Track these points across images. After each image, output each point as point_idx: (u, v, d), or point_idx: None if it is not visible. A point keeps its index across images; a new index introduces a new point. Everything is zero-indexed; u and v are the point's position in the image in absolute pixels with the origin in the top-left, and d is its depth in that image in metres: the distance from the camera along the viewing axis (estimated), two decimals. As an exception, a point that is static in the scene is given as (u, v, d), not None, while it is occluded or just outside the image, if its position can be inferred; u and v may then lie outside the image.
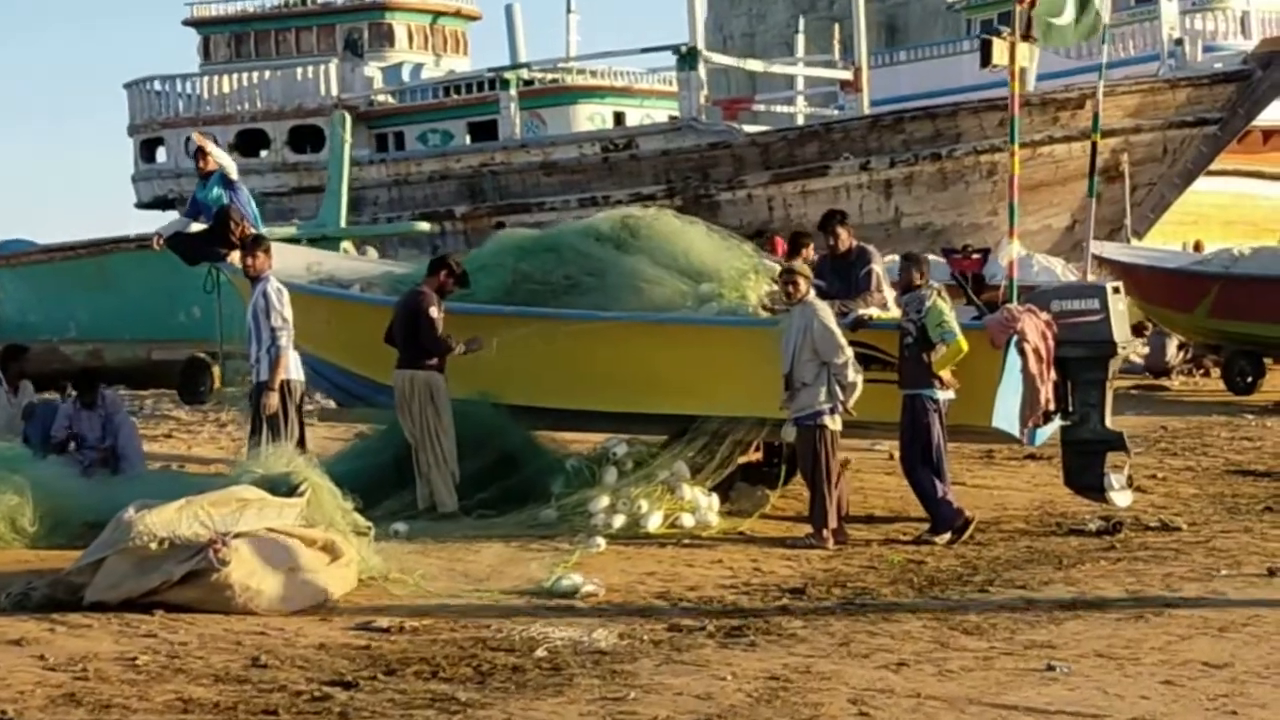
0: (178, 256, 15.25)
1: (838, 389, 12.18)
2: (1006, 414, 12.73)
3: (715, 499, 13.07)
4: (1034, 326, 12.64)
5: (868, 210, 38.25)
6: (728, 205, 38.19)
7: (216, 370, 21.87)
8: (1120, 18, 47.73)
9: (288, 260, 14.95)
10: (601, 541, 11.93)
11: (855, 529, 12.87)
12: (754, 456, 14.14)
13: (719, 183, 38.20)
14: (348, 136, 28.15)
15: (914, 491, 12.67)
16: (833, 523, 12.27)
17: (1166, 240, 35.33)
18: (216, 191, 15.04)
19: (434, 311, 12.92)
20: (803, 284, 12.35)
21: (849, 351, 12.19)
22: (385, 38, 44.46)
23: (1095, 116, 14.92)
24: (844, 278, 13.42)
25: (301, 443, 12.57)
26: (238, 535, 9.84)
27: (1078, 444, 13.44)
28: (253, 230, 14.82)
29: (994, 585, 10.76)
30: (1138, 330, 26.98)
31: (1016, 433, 12.80)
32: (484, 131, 41.85)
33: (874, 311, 12.97)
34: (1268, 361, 24.41)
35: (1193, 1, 48.21)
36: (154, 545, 9.69)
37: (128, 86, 44.91)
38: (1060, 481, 13.81)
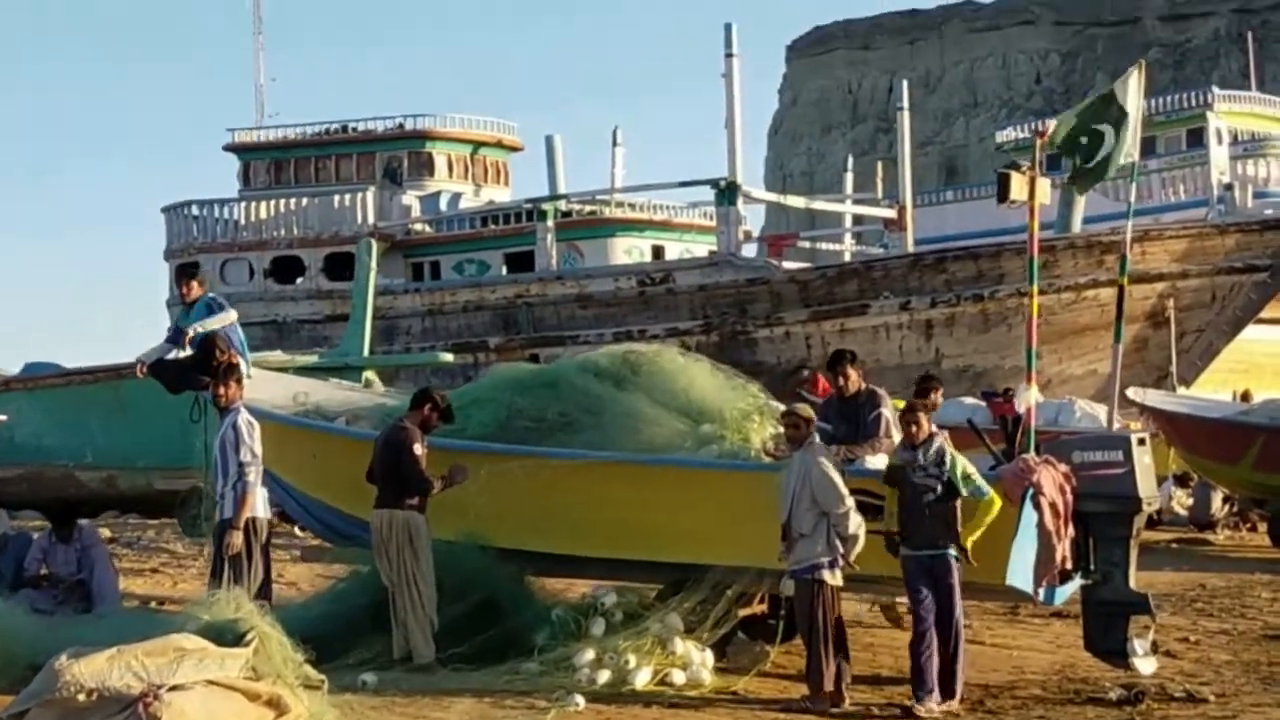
0: (161, 384, 14.61)
1: (838, 541, 11.40)
2: (1022, 571, 11.91)
3: (709, 654, 12.26)
4: (1051, 479, 11.84)
5: (908, 351, 37.59)
6: (765, 342, 37.58)
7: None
8: (1170, 161, 47.25)
9: (273, 389, 14.37)
10: (580, 700, 11.14)
11: (858, 690, 12.02)
12: (757, 609, 13.35)
13: (756, 319, 37.59)
14: (373, 264, 27.72)
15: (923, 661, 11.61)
16: (829, 685, 11.44)
17: (1218, 389, 34.40)
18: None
19: (418, 448, 12.24)
20: (804, 427, 11.61)
21: (850, 501, 11.41)
22: (425, 166, 44.23)
23: (1123, 259, 14.22)
24: (851, 421, 12.67)
25: (265, 585, 11.86)
26: (173, 688, 9.11)
27: (1100, 605, 12.56)
28: (237, 359, 14.21)
29: (998, 762, 9.90)
30: (1182, 481, 26.10)
31: (1031, 591, 11.96)
32: (521, 262, 41.44)
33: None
34: (1316, 517, 23.39)
35: (1244, 147, 47.65)
36: (81, 697, 8.99)
37: (166, 211, 44.77)
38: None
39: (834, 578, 11.46)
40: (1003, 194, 12.36)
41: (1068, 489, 11.99)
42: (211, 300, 14.51)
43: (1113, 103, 12.75)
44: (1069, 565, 12.02)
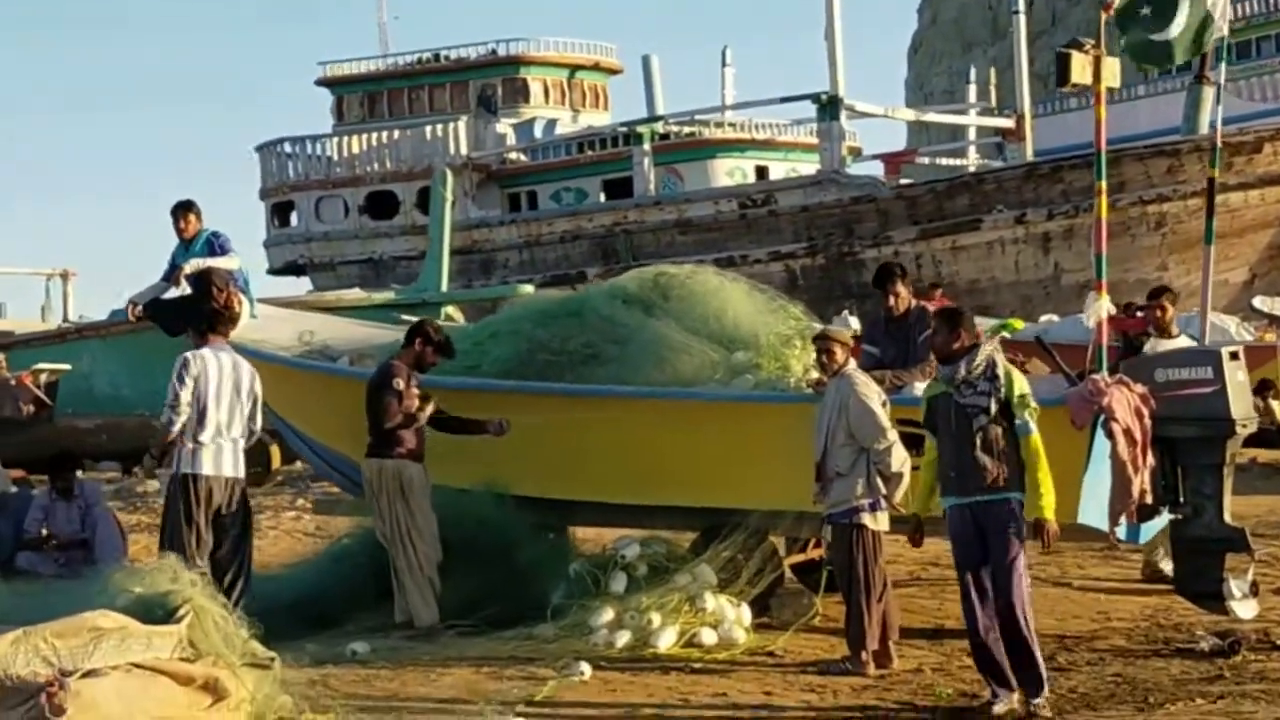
0: (158, 326, 13.46)
1: (879, 480, 9.96)
2: (1095, 507, 10.42)
3: (746, 610, 10.91)
4: (1124, 402, 10.31)
5: (1024, 266, 35.80)
6: (873, 264, 35.81)
7: (276, 449, 20.18)
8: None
9: (279, 329, 13.17)
10: (586, 669, 9.83)
11: (914, 647, 10.64)
12: (813, 554, 12.01)
13: (863, 239, 35.92)
14: (449, 195, 26.56)
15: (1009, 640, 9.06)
16: (873, 644, 10.03)
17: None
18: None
19: (398, 384, 11.00)
20: (839, 352, 10.18)
21: (893, 435, 9.97)
22: (520, 93, 42.83)
23: (1214, 148, 12.60)
24: (901, 344, 11.22)
25: (237, 552, 10.67)
26: (87, 674, 7.90)
27: (1190, 543, 11.05)
28: (237, 297, 13.03)
29: (1053, 734, 8.47)
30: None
31: (1106, 529, 10.47)
32: (619, 189, 39.93)
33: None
34: None
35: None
36: (-19, 687, 7.79)
37: (259, 149, 43.82)
38: (1182, 585, 11.41)
39: (875, 521, 10.04)
40: (1062, 76, 10.81)
41: (1145, 412, 10.47)
42: (213, 236, 13.33)
43: None
44: (1149, 499, 10.50)
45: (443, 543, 11.30)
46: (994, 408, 8.94)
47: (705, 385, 11.48)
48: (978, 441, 8.97)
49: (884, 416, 9.98)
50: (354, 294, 28.09)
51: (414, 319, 13.26)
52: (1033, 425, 8.99)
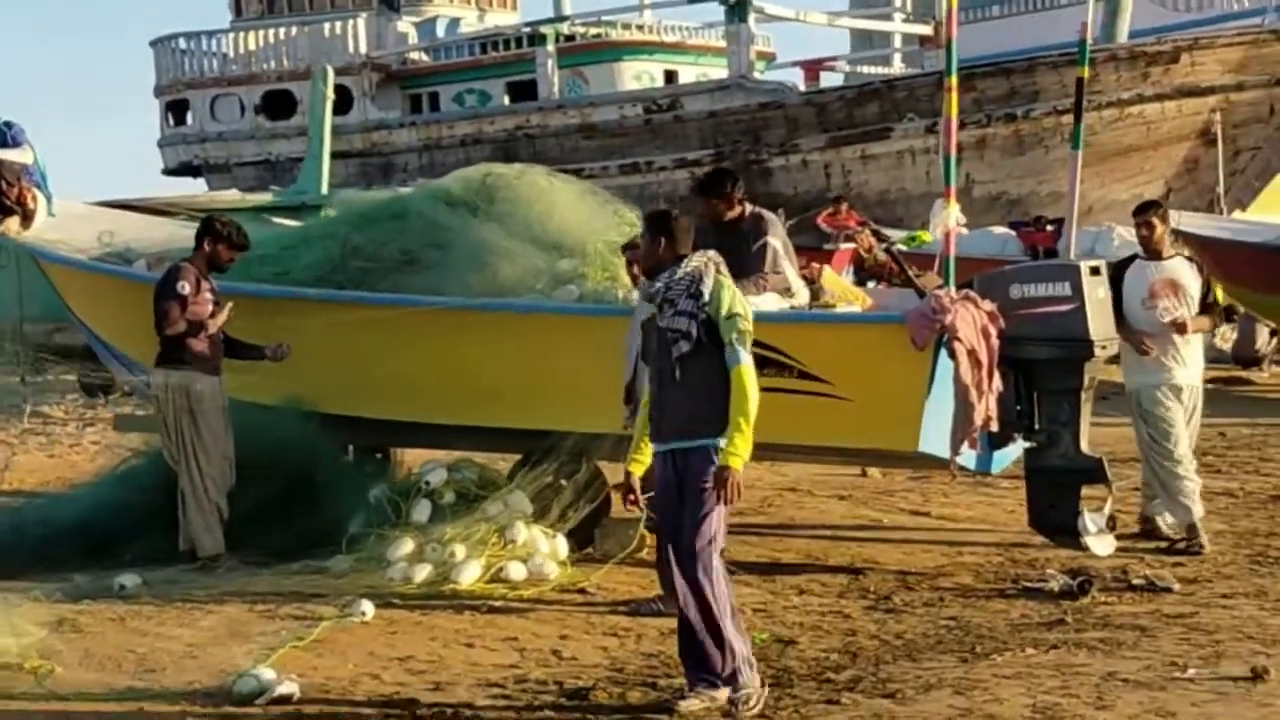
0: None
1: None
2: (936, 434, 9.57)
3: (561, 542, 10.01)
4: (970, 320, 9.44)
5: (935, 177, 34.74)
6: (780, 172, 34.94)
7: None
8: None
9: (78, 230, 12.15)
10: (368, 608, 8.91)
11: (742, 584, 9.74)
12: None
13: (771, 146, 34.85)
14: (329, 93, 25.35)
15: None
16: (689, 582, 9.10)
17: (1280, 215, 31.58)
18: None
19: (182, 288, 10.06)
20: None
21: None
22: (423, -11, 41.47)
23: (1081, 43, 11.69)
24: (735, 253, 10.19)
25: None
26: None
27: (1045, 473, 10.21)
28: (31, 192, 11.99)
29: (859, 687, 7.59)
30: (1228, 314, 23.49)
31: (948, 457, 9.61)
32: (524, 92, 38.63)
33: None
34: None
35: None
36: None
37: (154, 44, 42.23)
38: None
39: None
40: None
41: (993, 331, 9.59)
42: (5, 126, 12.27)
43: None
44: (994, 426, 9.63)
45: (238, 464, 10.36)
46: (695, 331, 7.18)
47: (526, 295, 10.53)
48: (676, 373, 7.24)
49: (704, 333, 9.00)
50: (229, 195, 26.94)
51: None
52: (742, 354, 7.16)
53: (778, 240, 10.19)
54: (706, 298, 7.20)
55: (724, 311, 7.17)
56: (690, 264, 7.30)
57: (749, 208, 10.32)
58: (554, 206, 11.03)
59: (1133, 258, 11.08)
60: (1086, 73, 11.56)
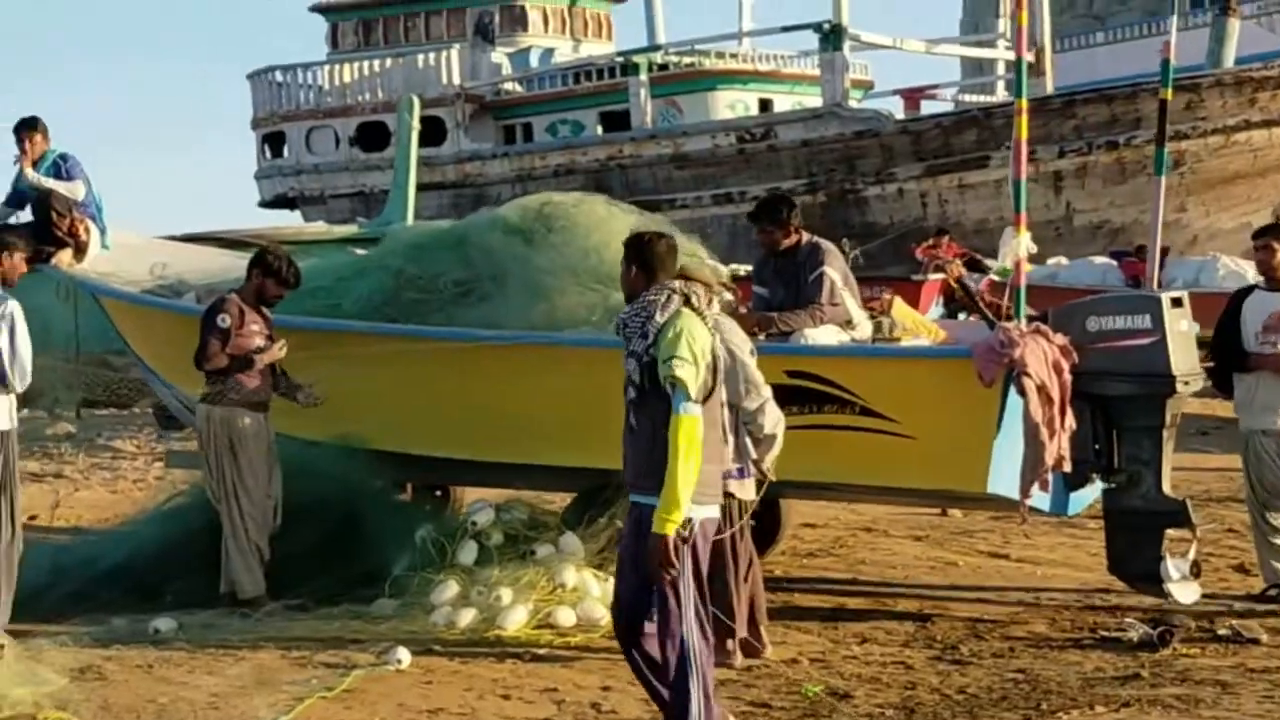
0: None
1: (748, 441, 8.54)
2: (1009, 474, 9.07)
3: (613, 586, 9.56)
4: (1040, 354, 8.94)
5: (1034, 207, 33.86)
6: (876, 201, 34.40)
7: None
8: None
9: (131, 262, 11.91)
10: (404, 656, 8.52)
11: (803, 631, 9.34)
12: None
13: (865, 176, 34.33)
14: (415, 123, 25.08)
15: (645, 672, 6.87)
16: (741, 629, 8.68)
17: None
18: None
19: (223, 321, 9.73)
20: (701, 293, 8.74)
21: (766, 390, 8.52)
22: (519, 21, 41.14)
23: (1165, 64, 11.16)
24: (790, 284, 9.81)
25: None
26: None
27: (1124, 516, 9.68)
28: (83, 224, 11.78)
29: (913, 751, 7.11)
30: None
31: (1018, 499, 9.11)
32: (618, 122, 38.36)
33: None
34: None
35: None
36: None
37: (251, 77, 42.36)
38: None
39: (742, 489, 8.59)
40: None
41: (1065, 366, 9.08)
42: (60, 159, 12.06)
43: None
44: (1067, 466, 9.11)
45: (285, 504, 10.02)
46: (640, 377, 6.60)
47: (580, 329, 10.14)
48: (630, 419, 6.74)
49: (755, 369, 8.57)
50: (316, 227, 26.80)
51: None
52: (684, 404, 6.44)
53: (836, 271, 9.74)
54: (651, 339, 6.59)
55: (662, 354, 6.53)
56: (648, 296, 6.69)
57: (806, 236, 9.90)
58: (612, 236, 10.58)
59: (1253, 288, 10.44)
60: (1170, 95, 11.03)
